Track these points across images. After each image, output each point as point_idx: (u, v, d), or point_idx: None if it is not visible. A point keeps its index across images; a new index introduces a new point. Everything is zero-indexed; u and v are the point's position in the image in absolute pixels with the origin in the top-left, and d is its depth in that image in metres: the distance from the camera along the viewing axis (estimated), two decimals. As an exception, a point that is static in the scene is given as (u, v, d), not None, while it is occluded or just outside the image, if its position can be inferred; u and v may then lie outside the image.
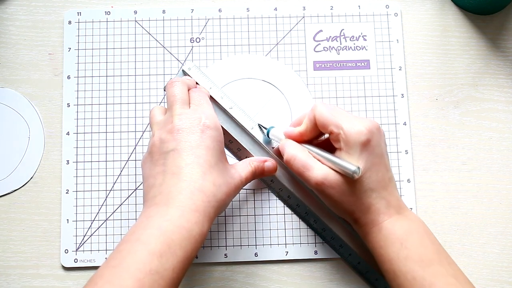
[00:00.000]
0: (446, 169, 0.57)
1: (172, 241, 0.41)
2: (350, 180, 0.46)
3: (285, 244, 0.55)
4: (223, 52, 0.59)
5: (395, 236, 0.46)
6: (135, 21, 0.59)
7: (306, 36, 0.59)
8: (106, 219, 0.55)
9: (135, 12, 0.59)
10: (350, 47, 0.59)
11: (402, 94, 0.58)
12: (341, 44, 0.59)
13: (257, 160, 0.52)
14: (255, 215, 0.55)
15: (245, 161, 0.51)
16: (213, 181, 0.45)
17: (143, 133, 0.57)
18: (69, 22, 0.59)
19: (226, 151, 0.54)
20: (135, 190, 0.56)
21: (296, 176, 0.53)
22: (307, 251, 0.55)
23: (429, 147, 0.57)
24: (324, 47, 0.59)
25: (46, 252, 0.55)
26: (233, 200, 0.55)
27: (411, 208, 0.56)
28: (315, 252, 0.55)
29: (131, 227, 0.44)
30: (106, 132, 0.57)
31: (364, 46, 0.59)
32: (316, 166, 0.47)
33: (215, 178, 0.46)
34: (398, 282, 0.45)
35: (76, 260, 0.54)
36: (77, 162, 0.56)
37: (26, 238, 0.55)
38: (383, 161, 0.48)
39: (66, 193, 0.56)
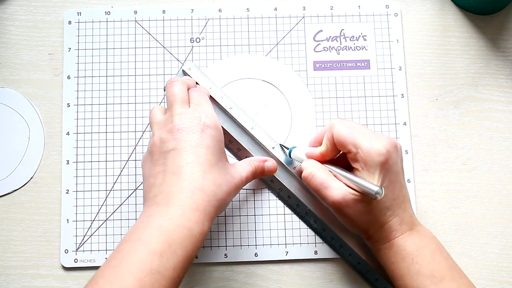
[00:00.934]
0: (446, 169, 0.57)
1: (172, 240, 0.41)
2: (367, 199, 0.46)
3: (285, 244, 0.55)
4: (223, 52, 0.59)
5: (407, 252, 0.47)
6: (135, 21, 0.59)
7: (306, 36, 0.59)
8: (106, 219, 0.55)
9: (135, 12, 0.59)
10: (350, 47, 0.59)
11: (402, 94, 0.58)
12: (341, 44, 0.59)
13: (257, 160, 0.52)
14: (255, 215, 0.55)
15: (246, 160, 0.51)
16: (213, 180, 0.45)
17: (143, 133, 0.57)
18: (69, 22, 0.59)
19: (226, 151, 0.54)
20: (135, 190, 0.56)
21: (313, 193, 0.53)
22: (307, 251, 0.55)
23: (429, 147, 0.57)
24: (324, 47, 0.59)
25: (46, 252, 0.55)
26: (233, 200, 0.55)
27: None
28: (315, 252, 0.55)
29: (132, 226, 0.44)
30: (106, 132, 0.57)
31: (364, 46, 0.59)
32: (334, 185, 0.48)
33: (215, 177, 0.46)
34: None
35: (76, 260, 0.54)
36: (77, 162, 0.56)
37: (26, 238, 0.55)
38: (399, 179, 0.48)
39: (66, 193, 0.56)
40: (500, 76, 0.59)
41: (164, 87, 0.56)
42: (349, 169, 0.49)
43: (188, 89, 0.51)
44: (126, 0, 0.60)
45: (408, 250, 0.47)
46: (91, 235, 0.55)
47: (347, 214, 0.47)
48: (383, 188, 0.45)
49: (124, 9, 0.59)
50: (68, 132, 0.57)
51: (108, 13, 0.59)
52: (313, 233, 0.55)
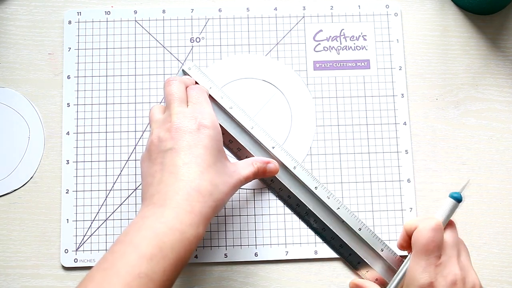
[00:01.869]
0: (446, 169, 0.57)
1: (163, 243, 0.41)
2: None
3: (285, 244, 0.55)
4: (223, 52, 0.59)
5: None
6: (135, 21, 0.59)
7: (306, 36, 0.59)
8: (106, 219, 0.55)
9: (135, 12, 0.59)
10: (350, 47, 0.59)
11: (402, 94, 0.58)
12: (341, 44, 0.59)
13: (260, 161, 0.52)
14: (255, 215, 0.55)
15: (248, 160, 0.51)
16: (210, 180, 0.45)
17: (143, 133, 0.57)
18: (69, 22, 0.59)
19: (226, 151, 0.54)
20: (135, 190, 0.56)
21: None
22: (307, 251, 0.55)
23: (429, 147, 0.57)
24: (324, 47, 0.59)
25: (46, 252, 0.55)
26: (233, 200, 0.55)
27: (411, 209, 0.56)
28: (315, 252, 0.55)
29: (127, 226, 0.43)
30: (106, 132, 0.57)
31: (364, 46, 0.59)
32: None
33: (212, 177, 0.46)
34: None
35: (76, 260, 0.54)
36: (77, 162, 0.56)
37: (26, 238, 0.55)
38: None
39: (66, 193, 0.56)
40: (500, 76, 0.59)
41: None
42: None
43: (186, 88, 0.51)
44: (126, 0, 0.60)
45: None
46: (91, 235, 0.55)
47: None
48: None
49: (124, 9, 0.59)
50: (68, 132, 0.57)
51: (108, 13, 0.59)
52: (313, 233, 0.55)
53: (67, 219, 0.55)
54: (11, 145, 0.57)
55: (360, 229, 0.53)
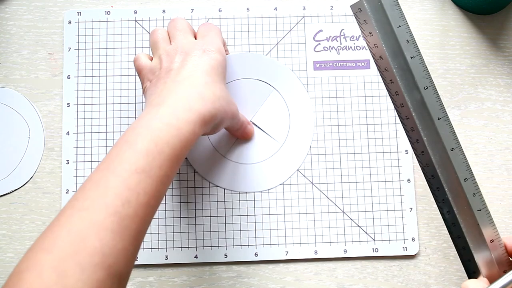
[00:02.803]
0: (446, 169, 0.57)
1: (159, 138, 0.41)
2: None
3: (285, 244, 0.55)
4: (223, 52, 0.59)
5: None
6: (135, 21, 0.59)
7: (306, 36, 0.59)
8: (106, 219, 0.55)
9: (135, 12, 0.59)
10: (350, 47, 0.59)
11: (402, 94, 0.58)
12: (341, 44, 0.59)
13: (248, 122, 0.55)
14: (255, 215, 0.55)
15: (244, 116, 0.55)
16: (213, 91, 0.45)
17: (143, 133, 0.57)
18: (69, 22, 0.59)
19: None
20: (135, 190, 0.56)
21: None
22: (307, 251, 0.55)
23: (429, 147, 0.57)
24: (324, 47, 0.59)
25: (46, 252, 0.55)
26: (233, 200, 0.55)
27: (411, 209, 0.56)
28: (315, 252, 0.55)
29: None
30: (106, 132, 0.57)
31: (364, 46, 0.59)
32: None
33: (215, 89, 0.46)
34: None
35: (76, 260, 0.54)
36: (77, 162, 0.56)
37: (26, 238, 0.55)
38: None
39: (66, 193, 0.56)
40: (500, 76, 0.59)
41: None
42: None
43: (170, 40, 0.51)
44: (126, 0, 0.60)
45: None
46: (91, 235, 0.55)
47: None
48: None
49: (124, 9, 0.59)
50: (68, 132, 0.57)
51: (108, 13, 0.59)
52: (313, 233, 0.55)
53: (67, 219, 0.55)
54: (11, 145, 0.57)
55: (492, 240, 0.48)
